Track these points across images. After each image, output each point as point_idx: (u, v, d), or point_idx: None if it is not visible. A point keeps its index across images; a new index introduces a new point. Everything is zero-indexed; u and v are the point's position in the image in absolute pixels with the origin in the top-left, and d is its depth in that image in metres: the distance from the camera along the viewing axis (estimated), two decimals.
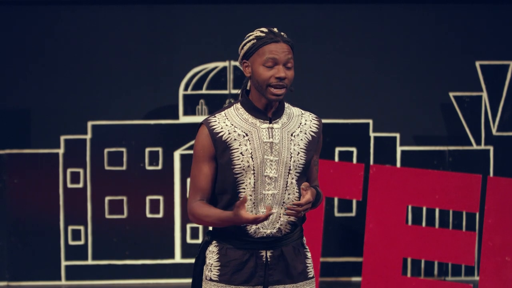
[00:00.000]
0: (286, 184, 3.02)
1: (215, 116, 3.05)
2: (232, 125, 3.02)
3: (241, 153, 2.99)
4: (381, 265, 5.33)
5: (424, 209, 6.33)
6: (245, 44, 3.02)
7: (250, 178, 2.99)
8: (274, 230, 3.03)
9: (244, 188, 3.00)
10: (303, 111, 3.14)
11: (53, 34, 6.25)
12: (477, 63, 6.34)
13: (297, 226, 3.09)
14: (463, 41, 6.35)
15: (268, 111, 3.03)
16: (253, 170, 2.99)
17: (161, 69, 6.30)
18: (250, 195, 3.01)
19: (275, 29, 3.03)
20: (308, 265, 3.12)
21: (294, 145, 3.04)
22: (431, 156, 6.35)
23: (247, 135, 3.01)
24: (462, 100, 6.36)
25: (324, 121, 6.26)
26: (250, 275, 3.03)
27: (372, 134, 6.36)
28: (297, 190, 3.06)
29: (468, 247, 5.21)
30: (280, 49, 2.96)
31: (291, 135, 3.05)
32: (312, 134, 3.09)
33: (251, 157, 2.99)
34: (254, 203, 3.01)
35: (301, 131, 3.07)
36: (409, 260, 6.32)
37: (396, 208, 5.33)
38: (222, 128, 3.01)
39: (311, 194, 2.99)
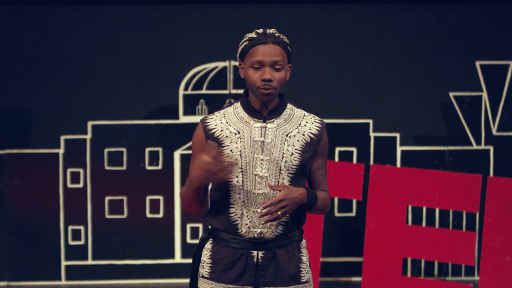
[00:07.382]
0: (278, 184, 3.00)
1: (213, 114, 3.08)
2: (227, 123, 3.03)
3: (231, 150, 3.00)
4: (381, 265, 5.33)
5: (424, 209, 6.33)
6: (240, 45, 3.03)
7: (238, 177, 2.99)
8: (265, 230, 3.01)
9: (232, 187, 2.99)
10: (306, 113, 3.11)
11: (53, 34, 6.25)
12: (477, 63, 6.34)
13: (289, 227, 3.06)
14: (463, 41, 6.34)
15: (263, 111, 3.03)
16: (241, 168, 2.99)
17: (161, 69, 6.30)
18: (239, 194, 3.00)
19: (272, 30, 3.00)
20: (302, 269, 3.09)
21: (288, 145, 3.02)
22: (431, 156, 6.35)
23: (239, 133, 3.01)
24: (462, 100, 6.36)
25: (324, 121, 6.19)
26: (239, 275, 3.02)
27: (372, 134, 6.36)
28: None
29: (468, 247, 5.21)
30: (267, 51, 2.95)
31: (287, 135, 3.03)
32: (311, 136, 3.06)
33: (240, 155, 2.99)
34: (244, 202, 3.00)
35: (298, 132, 3.05)
36: (409, 260, 6.32)
37: (396, 208, 5.33)
38: (216, 125, 3.03)
39: (285, 194, 2.90)
